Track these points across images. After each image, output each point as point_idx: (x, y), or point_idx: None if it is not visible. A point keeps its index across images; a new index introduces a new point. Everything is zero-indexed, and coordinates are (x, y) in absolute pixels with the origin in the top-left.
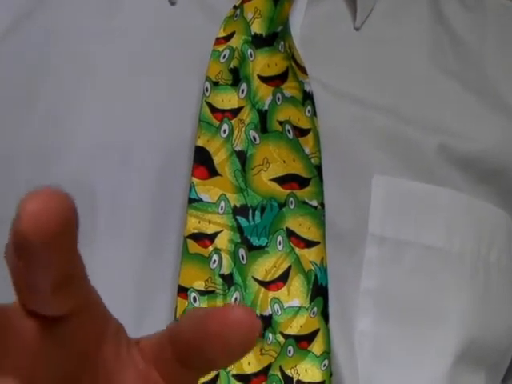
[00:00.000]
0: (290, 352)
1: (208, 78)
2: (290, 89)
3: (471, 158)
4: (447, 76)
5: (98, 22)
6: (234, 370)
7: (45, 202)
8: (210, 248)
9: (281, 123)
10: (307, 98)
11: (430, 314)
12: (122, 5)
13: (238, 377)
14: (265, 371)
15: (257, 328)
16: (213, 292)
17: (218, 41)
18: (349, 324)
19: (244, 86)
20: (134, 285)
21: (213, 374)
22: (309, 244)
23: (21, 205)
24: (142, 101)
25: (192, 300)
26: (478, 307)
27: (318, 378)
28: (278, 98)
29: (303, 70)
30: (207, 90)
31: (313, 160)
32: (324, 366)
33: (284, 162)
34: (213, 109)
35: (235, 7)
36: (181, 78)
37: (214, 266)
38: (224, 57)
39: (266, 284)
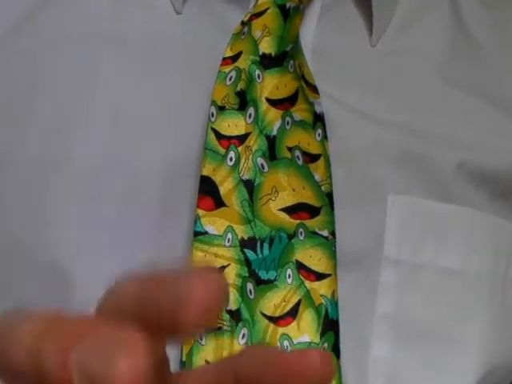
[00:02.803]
0: None
1: (214, 103)
2: (299, 111)
3: (490, 174)
4: (465, 89)
5: (101, 27)
6: None
7: (213, 290)
8: None
9: (290, 149)
10: (318, 120)
11: (448, 338)
12: (125, 11)
13: None
14: None
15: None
16: (220, 329)
17: (225, 61)
18: (363, 351)
19: (251, 110)
20: None
21: None
22: (320, 276)
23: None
24: (146, 117)
25: (198, 338)
26: (498, 329)
27: None
28: (288, 123)
29: (314, 89)
30: (213, 116)
31: (323, 187)
32: None
33: (293, 190)
34: (218, 135)
35: (243, 23)
36: (186, 94)
37: None
38: (230, 79)
39: (274, 319)
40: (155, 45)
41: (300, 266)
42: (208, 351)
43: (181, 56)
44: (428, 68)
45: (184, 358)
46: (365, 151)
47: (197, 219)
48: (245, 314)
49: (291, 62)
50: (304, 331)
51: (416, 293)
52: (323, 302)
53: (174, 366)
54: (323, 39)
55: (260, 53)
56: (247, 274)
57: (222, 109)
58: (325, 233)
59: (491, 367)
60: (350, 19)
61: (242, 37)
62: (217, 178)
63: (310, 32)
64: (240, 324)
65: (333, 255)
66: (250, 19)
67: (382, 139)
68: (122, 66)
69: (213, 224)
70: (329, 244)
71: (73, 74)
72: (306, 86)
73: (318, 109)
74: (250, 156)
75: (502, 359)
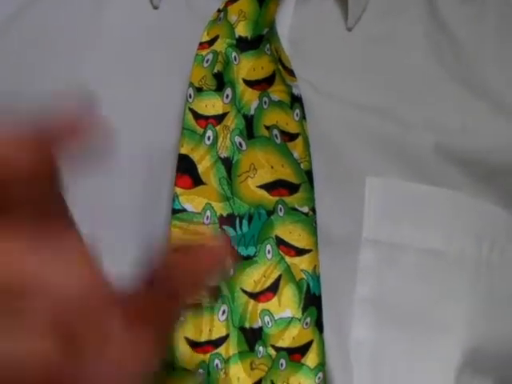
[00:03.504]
0: (282, 365)
1: (191, 84)
2: (277, 92)
3: (470, 157)
4: (443, 75)
5: (82, 22)
6: None
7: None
8: None
9: (268, 128)
10: (295, 101)
11: (430, 320)
12: (106, 7)
13: None
14: None
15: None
16: (199, 305)
17: (202, 45)
18: (343, 333)
19: (229, 90)
20: None
21: None
22: (300, 252)
23: None
24: (126, 105)
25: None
26: (482, 312)
27: None
28: (265, 102)
29: (291, 73)
30: (190, 97)
31: (302, 165)
32: (319, 378)
33: (272, 167)
34: (196, 115)
35: (219, 10)
36: (165, 82)
37: None
38: (207, 61)
39: (255, 295)
40: (134, 39)
41: (280, 242)
42: (188, 328)
43: (160, 48)
44: (407, 53)
45: None
46: (342, 134)
47: (175, 197)
48: (224, 290)
49: (267, 45)
50: (285, 306)
51: (396, 274)
52: (304, 276)
53: None
54: (300, 27)
55: (236, 36)
56: None
57: (199, 90)
58: (305, 209)
59: (475, 349)
60: (327, 7)
61: (219, 22)
62: (195, 157)
63: (286, 21)
64: (220, 300)
65: (313, 231)
66: (226, 5)
67: (359, 122)
68: (103, 63)
69: (191, 202)
70: (309, 220)
71: (57, 74)
72: (283, 69)
73: (295, 91)
74: (228, 135)
75: (487, 342)
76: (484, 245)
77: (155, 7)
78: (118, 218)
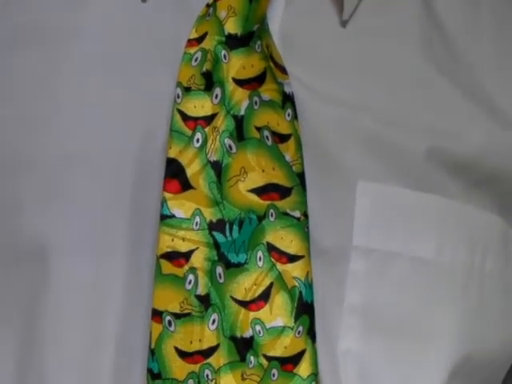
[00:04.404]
0: (274, 375)
1: (179, 84)
2: (268, 91)
3: (463, 162)
4: (437, 76)
5: (65, 18)
6: None
7: None
8: (186, 267)
9: (258, 129)
10: (287, 100)
11: (420, 329)
12: (87, 3)
13: None
14: None
15: None
16: (189, 314)
17: (190, 43)
18: (331, 342)
19: (218, 90)
20: (114, 310)
21: None
22: (292, 258)
23: None
24: (113, 106)
25: (167, 324)
26: (472, 320)
27: None
28: (256, 102)
29: (283, 70)
30: (178, 97)
31: (294, 167)
32: None
33: (263, 171)
34: (185, 117)
35: (208, 5)
36: (153, 80)
37: (190, 286)
38: (196, 60)
39: (245, 304)
40: (120, 34)
41: (271, 248)
42: (177, 338)
43: (147, 44)
44: (401, 53)
45: (153, 346)
46: (334, 136)
47: (163, 202)
48: (214, 298)
49: (258, 42)
50: (277, 315)
51: (386, 282)
52: (296, 284)
53: (143, 353)
54: (291, 23)
55: (226, 33)
56: (216, 258)
57: (187, 90)
58: (296, 213)
59: (465, 359)
60: (321, 2)
61: (207, 18)
62: (183, 160)
63: (277, 17)
64: (210, 309)
65: (305, 236)
66: (215, 0)
67: (351, 123)
68: (86, 58)
69: (180, 207)
70: (301, 225)
71: (34, 71)
72: (275, 67)
73: (287, 89)
74: (218, 137)
75: (477, 351)
76: (477, 253)
77: (143, 0)
78: (105, 222)
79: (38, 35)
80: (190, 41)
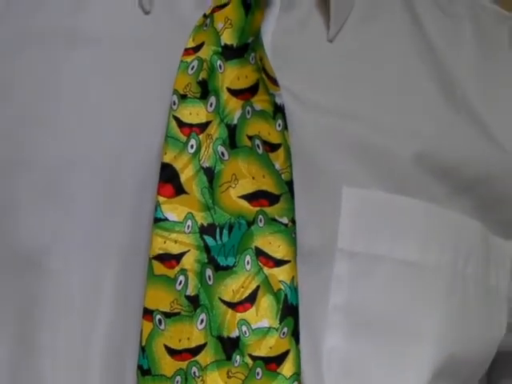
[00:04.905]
0: (258, 374)
1: (175, 91)
2: (260, 102)
3: (446, 168)
4: (423, 84)
5: (65, 25)
6: None
7: None
8: (177, 269)
9: (250, 138)
10: (278, 111)
11: (404, 329)
12: (88, 7)
13: None
14: None
15: None
16: (178, 314)
17: (187, 51)
18: (316, 342)
19: (213, 99)
20: (106, 309)
21: None
22: (278, 263)
23: None
24: (111, 113)
25: (157, 322)
26: (455, 322)
27: None
28: (248, 112)
29: (274, 82)
30: (174, 104)
31: (283, 176)
32: None
33: (253, 178)
34: (180, 123)
35: (205, 16)
36: (151, 90)
37: (180, 287)
38: (192, 68)
39: (233, 305)
40: (123, 44)
41: (259, 253)
42: (167, 336)
43: (147, 55)
44: (387, 63)
45: (144, 343)
46: (320, 144)
47: (157, 206)
48: (203, 299)
49: (252, 54)
50: (263, 316)
51: (370, 284)
52: (282, 287)
53: (134, 351)
54: (282, 35)
55: (222, 44)
56: (206, 261)
57: (183, 97)
58: (284, 220)
59: (449, 359)
60: (311, 16)
61: (205, 28)
62: (177, 165)
63: (269, 28)
64: (199, 309)
65: (292, 242)
66: (213, 11)
67: (338, 131)
68: (86, 60)
69: (173, 211)
70: (288, 231)
71: (35, 72)
72: (267, 78)
73: (278, 100)
74: (211, 144)
75: (460, 351)
76: (459, 256)
77: (146, 12)
78: (102, 223)
79: (38, 37)
80: (186, 49)
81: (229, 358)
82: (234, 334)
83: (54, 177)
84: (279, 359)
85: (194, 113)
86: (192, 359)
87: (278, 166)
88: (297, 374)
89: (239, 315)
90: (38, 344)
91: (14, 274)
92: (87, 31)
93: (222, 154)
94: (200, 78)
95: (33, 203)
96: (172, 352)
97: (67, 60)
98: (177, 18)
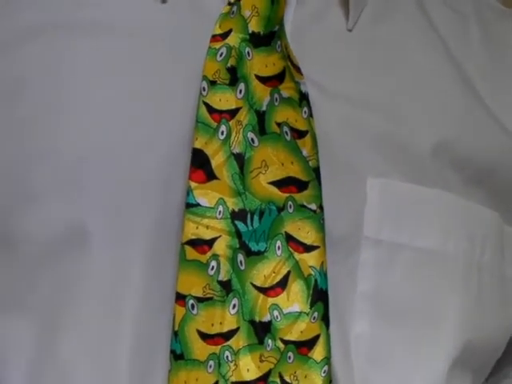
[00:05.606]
0: (289, 358)
1: (205, 77)
2: (287, 89)
3: (464, 159)
4: (440, 77)
5: (81, 15)
6: (233, 377)
7: None
8: (209, 254)
9: (279, 125)
10: (303, 98)
11: (426, 316)
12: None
13: None
14: (264, 378)
15: None
16: (211, 299)
17: (215, 38)
18: (344, 328)
19: (242, 86)
20: (138, 297)
21: (212, 380)
22: (308, 248)
23: None
24: (134, 102)
25: (190, 307)
26: (472, 309)
27: None
28: (276, 99)
29: (299, 71)
30: (204, 90)
31: (311, 162)
32: (324, 372)
33: (282, 164)
34: (210, 109)
35: (230, 3)
36: (174, 77)
37: (212, 272)
38: (221, 55)
39: (264, 290)
40: (138, 33)
41: (289, 238)
42: (200, 321)
43: (167, 43)
44: (404, 57)
45: (176, 328)
46: (343, 135)
47: (189, 191)
48: (235, 284)
49: (278, 42)
50: (294, 301)
51: (394, 272)
52: (312, 272)
53: (164, 336)
54: (300, 25)
55: (249, 31)
56: (238, 246)
57: (213, 83)
58: (313, 206)
59: (466, 346)
60: (328, 5)
61: (231, 15)
62: (208, 151)
63: (288, 21)
64: (231, 294)
65: (321, 228)
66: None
67: (361, 122)
68: (104, 54)
69: (204, 196)
70: (317, 217)
71: (45, 65)
72: (292, 67)
73: (303, 88)
74: (241, 130)
75: (476, 338)
76: (476, 245)
77: (163, 1)
78: (130, 208)
79: (44, 31)
80: (214, 36)
81: (261, 342)
82: (266, 318)
83: (80, 165)
84: (310, 343)
85: (224, 99)
86: (225, 344)
87: (305, 152)
88: (327, 359)
89: (271, 300)
90: (65, 329)
91: (40, 261)
92: (103, 21)
93: (252, 140)
94: (229, 65)
95: (58, 191)
96: (205, 336)
97: (84, 51)
98: (194, 6)
